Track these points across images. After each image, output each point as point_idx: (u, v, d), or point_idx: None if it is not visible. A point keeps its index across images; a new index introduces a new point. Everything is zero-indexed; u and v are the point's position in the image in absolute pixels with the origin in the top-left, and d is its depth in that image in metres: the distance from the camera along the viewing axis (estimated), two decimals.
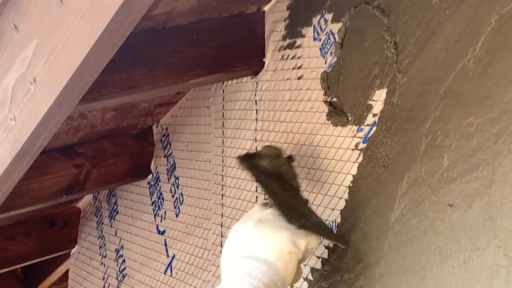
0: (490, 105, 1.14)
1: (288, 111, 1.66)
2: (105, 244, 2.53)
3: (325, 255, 1.46)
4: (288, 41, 1.69)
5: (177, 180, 2.11)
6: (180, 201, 2.09)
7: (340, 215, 1.44)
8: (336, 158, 1.48)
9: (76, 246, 2.76)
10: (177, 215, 2.09)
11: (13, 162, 1.44)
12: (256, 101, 1.78)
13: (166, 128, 2.21)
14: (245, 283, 1.19)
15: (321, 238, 1.37)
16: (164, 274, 2.11)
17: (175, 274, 2.05)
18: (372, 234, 1.35)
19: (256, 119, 1.77)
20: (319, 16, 1.59)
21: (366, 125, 1.41)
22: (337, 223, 1.44)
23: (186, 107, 2.11)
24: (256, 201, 1.72)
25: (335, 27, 1.53)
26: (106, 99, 1.58)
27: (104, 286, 2.51)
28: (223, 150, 1.89)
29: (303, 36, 1.64)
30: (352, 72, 1.48)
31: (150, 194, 2.26)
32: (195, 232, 1.98)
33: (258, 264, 1.22)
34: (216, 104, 1.96)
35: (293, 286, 1.31)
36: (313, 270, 1.48)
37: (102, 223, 2.56)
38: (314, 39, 1.60)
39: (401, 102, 1.33)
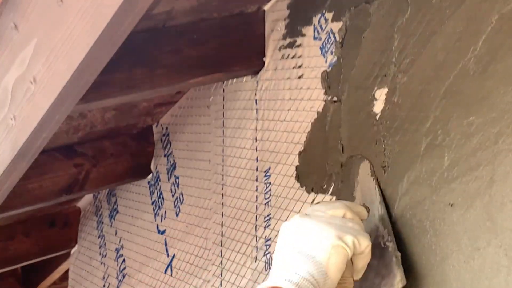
0: (490, 104, 1.14)
1: (288, 110, 1.65)
2: (105, 244, 2.53)
3: None
4: (288, 40, 1.69)
5: (177, 180, 2.11)
6: (180, 200, 2.08)
7: None
8: None
9: (76, 245, 2.76)
10: (177, 215, 2.09)
11: (13, 162, 1.44)
12: (256, 100, 1.78)
13: (166, 128, 2.20)
14: (282, 277, 1.14)
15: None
16: (164, 273, 2.11)
17: (175, 274, 2.05)
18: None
19: (256, 119, 1.77)
20: (319, 15, 1.59)
21: None
22: None
23: (186, 106, 2.11)
24: (256, 200, 1.72)
25: (336, 26, 1.53)
26: (106, 98, 1.58)
27: (104, 285, 2.50)
28: (223, 149, 1.89)
29: (304, 35, 1.64)
30: (352, 71, 1.48)
31: (150, 194, 2.26)
32: (195, 232, 1.98)
33: (297, 256, 1.16)
34: (216, 103, 1.95)
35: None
36: None
37: (102, 223, 2.56)
38: (315, 38, 1.59)
39: (402, 101, 1.33)
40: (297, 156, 1.59)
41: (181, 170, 2.10)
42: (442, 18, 1.26)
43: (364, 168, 1.38)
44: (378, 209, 1.31)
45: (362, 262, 1.21)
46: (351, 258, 1.20)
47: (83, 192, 2.27)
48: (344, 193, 1.44)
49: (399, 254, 1.24)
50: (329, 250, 1.15)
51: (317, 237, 1.17)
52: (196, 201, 2.00)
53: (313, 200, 1.52)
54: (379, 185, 1.33)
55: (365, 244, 1.18)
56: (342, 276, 1.18)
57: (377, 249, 1.26)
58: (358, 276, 1.24)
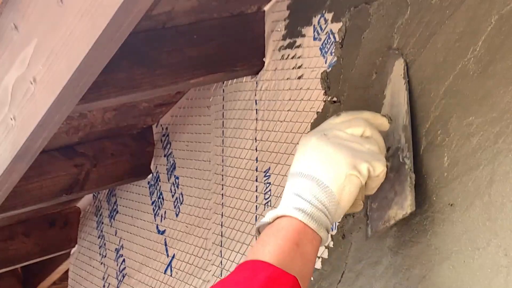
0: (490, 104, 1.14)
1: (288, 110, 1.65)
2: (105, 244, 2.53)
3: (325, 255, 1.46)
4: (288, 40, 1.69)
5: (177, 180, 2.11)
6: (180, 200, 2.08)
7: None
8: None
9: (76, 245, 2.76)
10: (177, 215, 2.09)
11: (13, 162, 1.44)
12: (256, 100, 1.78)
13: (166, 128, 2.21)
14: (292, 204, 1.10)
15: (389, 164, 1.20)
16: (164, 273, 2.11)
17: (175, 274, 2.05)
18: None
19: (256, 119, 1.77)
20: (319, 15, 1.59)
21: None
22: (337, 222, 1.44)
23: (186, 106, 2.11)
24: (256, 201, 1.72)
25: (335, 26, 1.53)
26: (106, 98, 1.58)
27: (104, 285, 2.50)
28: (223, 149, 1.89)
29: (303, 35, 1.64)
30: (352, 72, 1.48)
31: (150, 194, 2.26)
32: (195, 232, 1.98)
33: (309, 184, 1.12)
34: (216, 103, 1.96)
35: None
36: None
37: (102, 223, 2.56)
38: (314, 38, 1.60)
39: None
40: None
41: (181, 170, 2.10)
42: (442, 18, 1.26)
43: (398, 67, 1.31)
44: (403, 119, 1.25)
45: (375, 183, 1.19)
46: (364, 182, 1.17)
47: (83, 192, 2.27)
48: (376, 88, 1.38)
49: (413, 175, 1.20)
50: (343, 180, 1.12)
51: (332, 165, 1.13)
52: (196, 201, 2.00)
53: None
54: (408, 91, 1.27)
55: (379, 170, 1.16)
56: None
57: (395, 161, 1.22)
58: (371, 192, 1.21)
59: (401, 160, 1.22)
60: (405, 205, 1.19)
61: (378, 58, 1.40)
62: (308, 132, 1.23)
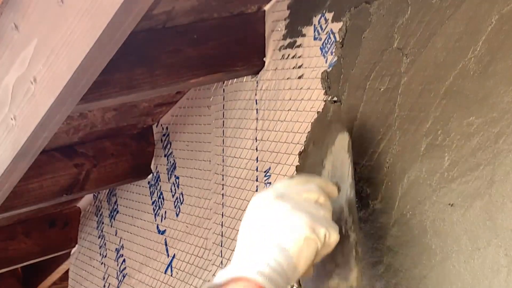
0: (490, 104, 1.14)
1: (288, 110, 1.65)
2: (105, 244, 2.53)
3: None
4: (288, 40, 1.69)
5: (177, 180, 2.11)
6: (180, 200, 2.08)
7: None
8: None
9: (76, 245, 2.76)
10: (177, 215, 2.09)
11: (13, 162, 1.44)
12: (256, 100, 1.78)
13: (166, 128, 2.21)
14: (251, 267, 1.07)
15: (343, 231, 1.22)
16: (165, 273, 2.11)
17: (175, 274, 2.05)
18: (372, 234, 1.35)
19: (257, 119, 1.77)
20: (319, 15, 1.59)
21: None
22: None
23: (186, 106, 2.11)
24: None
25: (336, 26, 1.53)
26: (106, 98, 1.58)
27: (104, 285, 2.50)
28: (223, 149, 1.89)
29: (304, 35, 1.64)
30: (352, 71, 1.48)
31: (150, 194, 2.26)
32: (195, 232, 1.98)
33: (268, 245, 1.10)
34: (216, 103, 1.95)
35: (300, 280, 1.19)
36: None
37: (102, 223, 2.56)
38: (315, 38, 1.60)
39: (402, 101, 1.33)
40: (297, 156, 1.59)
41: (181, 170, 2.10)
42: (442, 18, 1.26)
43: (342, 141, 1.32)
44: (347, 192, 1.25)
45: (325, 251, 1.16)
46: None
47: (83, 192, 2.27)
48: (314, 157, 1.41)
49: (360, 250, 1.20)
50: (302, 243, 1.10)
51: (291, 227, 1.11)
52: (196, 201, 2.00)
53: None
54: (353, 166, 1.28)
55: (334, 237, 1.14)
56: None
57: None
58: (317, 260, 1.18)
59: (343, 232, 1.21)
60: (350, 278, 1.18)
61: (378, 58, 1.40)
62: (260, 192, 1.20)
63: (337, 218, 1.23)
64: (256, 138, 1.76)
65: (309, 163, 1.40)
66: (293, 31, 1.67)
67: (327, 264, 1.22)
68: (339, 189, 1.25)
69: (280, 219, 1.12)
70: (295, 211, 1.13)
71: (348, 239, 1.21)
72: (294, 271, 1.10)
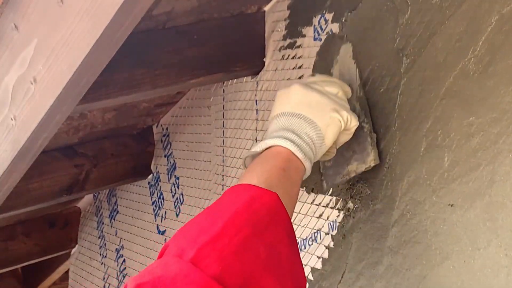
0: (490, 104, 1.14)
1: None
2: (105, 244, 2.53)
3: (326, 255, 1.46)
4: (288, 41, 1.69)
5: (177, 180, 2.11)
6: (180, 201, 2.09)
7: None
8: None
9: (76, 246, 2.76)
10: (177, 215, 2.09)
11: (13, 162, 1.44)
12: (256, 101, 1.78)
13: (167, 128, 2.21)
14: (282, 136, 1.19)
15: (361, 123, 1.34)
16: None
17: None
18: (372, 234, 1.35)
19: (257, 119, 1.77)
20: (319, 16, 1.59)
21: None
22: (338, 223, 1.44)
23: (187, 107, 2.11)
24: None
25: (336, 27, 1.53)
26: (106, 99, 1.58)
27: (104, 286, 2.51)
28: (223, 150, 1.89)
29: (304, 36, 1.64)
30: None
31: (150, 194, 2.26)
32: None
33: (297, 120, 1.22)
34: (217, 104, 1.96)
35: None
36: (313, 270, 1.48)
37: (102, 223, 2.56)
38: (315, 39, 1.60)
39: (402, 101, 1.33)
40: None
41: (181, 171, 2.10)
42: (442, 18, 1.26)
43: (346, 50, 1.43)
44: (356, 91, 1.37)
45: (345, 138, 1.29)
46: None
47: (84, 193, 2.27)
48: (320, 66, 1.50)
49: (375, 135, 1.33)
50: (328, 119, 1.22)
51: (318, 107, 1.23)
52: (196, 201, 2.00)
53: (313, 201, 1.52)
54: (359, 69, 1.39)
55: (354, 123, 1.27)
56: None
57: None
58: (338, 142, 1.30)
59: (358, 125, 1.32)
60: (367, 160, 1.31)
61: (377, 59, 1.40)
62: (284, 87, 1.32)
63: None
64: (256, 139, 1.76)
65: (315, 72, 1.49)
66: (293, 31, 1.67)
67: (345, 152, 1.35)
68: (352, 90, 1.37)
69: (307, 101, 1.24)
70: (322, 96, 1.25)
71: (362, 129, 1.33)
72: (322, 144, 1.22)
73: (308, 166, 1.19)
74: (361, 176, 1.38)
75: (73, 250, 2.78)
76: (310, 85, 1.28)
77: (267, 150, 1.20)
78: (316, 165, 1.41)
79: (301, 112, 1.23)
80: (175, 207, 2.11)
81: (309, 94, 1.25)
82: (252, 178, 1.12)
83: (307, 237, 1.52)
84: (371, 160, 1.31)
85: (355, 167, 1.33)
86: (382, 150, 1.35)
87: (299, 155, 1.18)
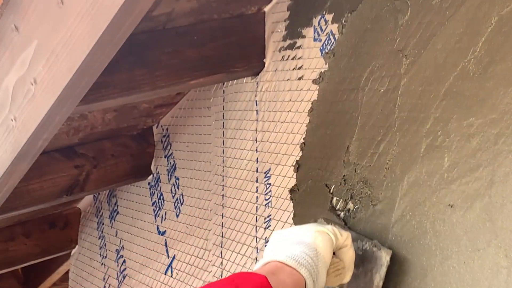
0: (490, 105, 1.14)
1: (288, 111, 1.66)
2: (105, 245, 2.53)
3: None
4: (288, 41, 1.69)
5: (177, 181, 2.11)
6: (180, 201, 2.09)
7: None
8: None
9: (77, 246, 2.76)
10: (177, 216, 2.09)
11: (14, 163, 1.44)
12: (256, 101, 1.78)
13: (167, 129, 2.21)
14: (282, 254, 1.21)
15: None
16: (165, 274, 2.11)
17: (175, 275, 2.05)
18: (373, 235, 1.35)
19: (257, 120, 1.77)
20: (319, 16, 1.59)
21: None
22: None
23: (187, 107, 2.11)
24: (256, 201, 1.72)
25: (336, 27, 1.53)
26: (106, 99, 1.58)
27: (104, 286, 2.51)
28: (223, 150, 1.89)
29: (304, 36, 1.64)
30: (352, 72, 1.48)
31: (150, 195, 2.26)
32: (195, 233, 1.98)
33: (288, 245, 1.24)
34: (217, 104, 1.96)
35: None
36: None
37: (103, 224, 2.56)
38: (315, 39, 1.60)
39: (402, 102, 1.33)
40: (299, 146, 1.59)
41: (181, 171, 2.10)
42: (442, 19, 1.26)
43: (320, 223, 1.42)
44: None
45: (348, 256, 1.28)
46: (336, 254, 1.27)
47: (84, 193, 2.27)
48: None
49: (375, 241, 1.31)
50: (313, 233, 1.25)
51: (302, 231, 1.27)
52: (196, 202, 2.00)
53: None
54: (338, 223, 1.38)
55: (345, 234, 1.27)
56: (332, 261, 1.26)
57: (357, 259, 1.31)
58: (348, 276, 1.29)
59: (360, 253, 1.33)
60: (383, 262, 1.29)
61: (377, 59, 1.40)
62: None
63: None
64: (256, 139, 1.76)
65: None
66: (293, 32, 1.67)
67: (365, 277, 1.33)
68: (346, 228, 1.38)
69: (294, 231, 1.28)
70: (301, 225, 1.30)
71: (365, 251, 1.33)
72: (317, 254, 1.23)
73: (304, 271, 1.19)
74: (361, 177, 1.38)
75: (73, 251, 2.78)
76: (296, 226, 1.33)
77: (265, 266, 1.22)
78: None
79: (289, 239, 1.26)
80: (175, 208, 2.11)
81: (291, 229, 1.30)
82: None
83: None
84: (385, 258, 1.28)
85: (379, 276, 1.30)
86: (381, 151, 1.35)
87: (291, 263, 1.19)
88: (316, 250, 1.23)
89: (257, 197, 1.72)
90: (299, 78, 1.63)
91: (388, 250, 1.28)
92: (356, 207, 1.40)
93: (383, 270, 1.28)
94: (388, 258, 1.27)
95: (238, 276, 1.13)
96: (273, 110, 1.71)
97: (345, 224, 1.42)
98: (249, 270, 1.25)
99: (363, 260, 1.31)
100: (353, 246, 1.30)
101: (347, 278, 1.29)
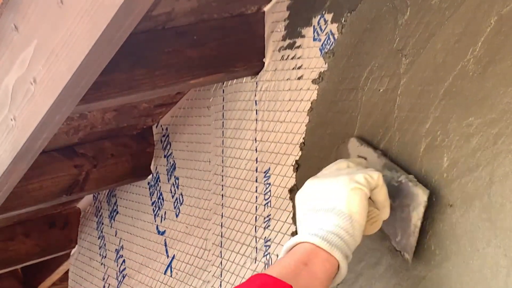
0: (489, 105, 1.14)
1: (288, 111, 1.66)
2: (105, 245, 2.53)
3: None
4: (288, 41, 1.69)
5: (177, 181, 2.11)
6: (180, 201, 2.09)
7: None
8: None
9: (76, 246, 2.76)
10: (177, 216, 2.09)
11: (13, 163, 1.44)
12: (256, 101, 1.78)
13: (166, 129, 2.21)
14: (307, 232, 1.16)
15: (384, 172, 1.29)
16: (164, 274, 2.11)
17: (175, 275, 2.06)
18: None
19: (256, 119, 1.77)
20: (319, 16, 1.59)
21: None
22: None
23: (186, 107, 2.11)
24: (256, 201, 1.72)
25: (335, 27, 1.54)
26: (106, 99, 1.58)
27: (104, 286, 2.50)
28: (223, 150, 1.89)
29: (303, 36, 1.64)
30: (351, 72, 1.48)
31: (150, 195, 2.26)
32: (195, 233, 1.98)
33: (317, 215, 1.19)
34: (216, 104, 1.96)
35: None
36: None
37: (102, 224, 2.56)
38: (314, 39, 1.60)
39: (401, 102, 1.33)
40: (298, 146, 1.59)
41: (181, 171, 2.10)
42: (442, 19, 1.26)
43: (353, 143, 1.41)
44: (379, 163, 1.32)
45: (381, 194, 1.22)
46: (370, 197, 1.21)
47: (83, 193, 2.27)
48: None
49: (411, 176, 1.25)
50: (346, 195, 1.17)
51: (331, 190, 1.19)
52: (196, 202, 2.00)
53: None
54: (372, 145, 1.36)
55: (375, 175, 1.20)
56: (368, 213, 1.20)
57: (393, 190, 1.26)
58: (385, 213, 1.24)
59: (396, 184, 1.27)
60: (421, 200, 1.23)
61: (377, 59, 1.40)
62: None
63: (387, 183, 1.26)
64: (255, 139, 1.76)
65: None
66: (293, 32, 1.68)
67: (402, 214, 1.26)
68: (365, 158, 1.35)
69: (321, 191, 1.21)
70: (329, 178, 1.22)
71: (400, 184, 1.26)
72: (352, 223, 1.16)
73: (338, 255, 1.14)
74: None
75: (73, 251, 2.78)
76: (318, 176, 1.27)
77: (296, 246, 1.17)
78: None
79: (317, 205, 1.20)
80: (174, 208, 2.11)
81: (318, 185, 1.23)
82: (273, 270, 1.12)
83: None
84: (422, 197, 1.22)
85: (417, 215, 1.23)
86: (383, 152, 1.35)
87: (325, 246, 1.14)
88: (350, 218, 1.16)
89: (256, 196, 1.73)
90: (299, 78, 1.63)
91: (426, 189, 1.22)
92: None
93: (420, 210, 1.22)
94: (425, 198, 1.21)
95: (263, 284, 1.08)
96: (272, 110, 1.71)
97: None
98: (278, 256, 1.20)
99: (398, 193, 1.26)
100: (387, 178, 1.25)
101: (385, 215, 1.24)
